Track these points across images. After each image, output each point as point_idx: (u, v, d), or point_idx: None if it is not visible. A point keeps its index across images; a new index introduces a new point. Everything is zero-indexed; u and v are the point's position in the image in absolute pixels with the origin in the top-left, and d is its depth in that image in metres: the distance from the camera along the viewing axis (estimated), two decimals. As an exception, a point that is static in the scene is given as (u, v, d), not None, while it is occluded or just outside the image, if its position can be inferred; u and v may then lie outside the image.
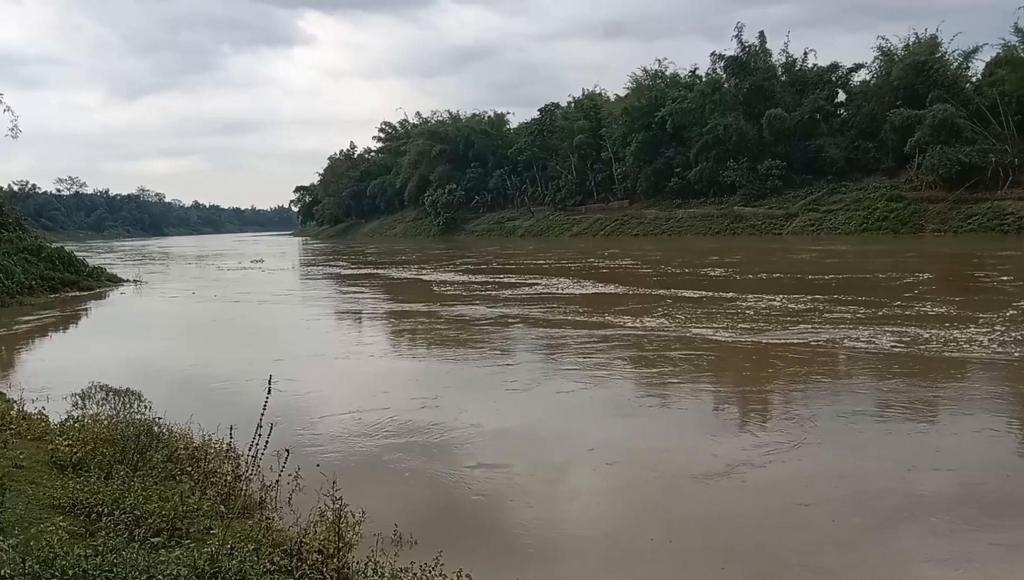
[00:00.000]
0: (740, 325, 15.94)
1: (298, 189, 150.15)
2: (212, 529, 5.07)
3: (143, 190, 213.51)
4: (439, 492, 7.30)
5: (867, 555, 5.77)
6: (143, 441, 6.79)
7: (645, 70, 78.19)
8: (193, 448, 7.14)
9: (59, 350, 17.44)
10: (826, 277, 25.76)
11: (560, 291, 24.60)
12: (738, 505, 6.79)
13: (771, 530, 6.30)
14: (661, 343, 14.51)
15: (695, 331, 15.44)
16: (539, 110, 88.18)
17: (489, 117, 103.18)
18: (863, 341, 13.81)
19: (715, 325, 16.03)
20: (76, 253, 31.74)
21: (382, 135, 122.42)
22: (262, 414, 6.43)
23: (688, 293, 22.02)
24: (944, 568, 5.65)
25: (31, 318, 20.85)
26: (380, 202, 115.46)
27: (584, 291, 24.51)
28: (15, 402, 8.91)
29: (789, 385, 11.46)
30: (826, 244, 46.34)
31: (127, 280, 31.90)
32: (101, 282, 29.68)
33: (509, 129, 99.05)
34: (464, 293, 25.15)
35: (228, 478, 6.51)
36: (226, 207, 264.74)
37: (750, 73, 66.98)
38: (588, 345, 14.69)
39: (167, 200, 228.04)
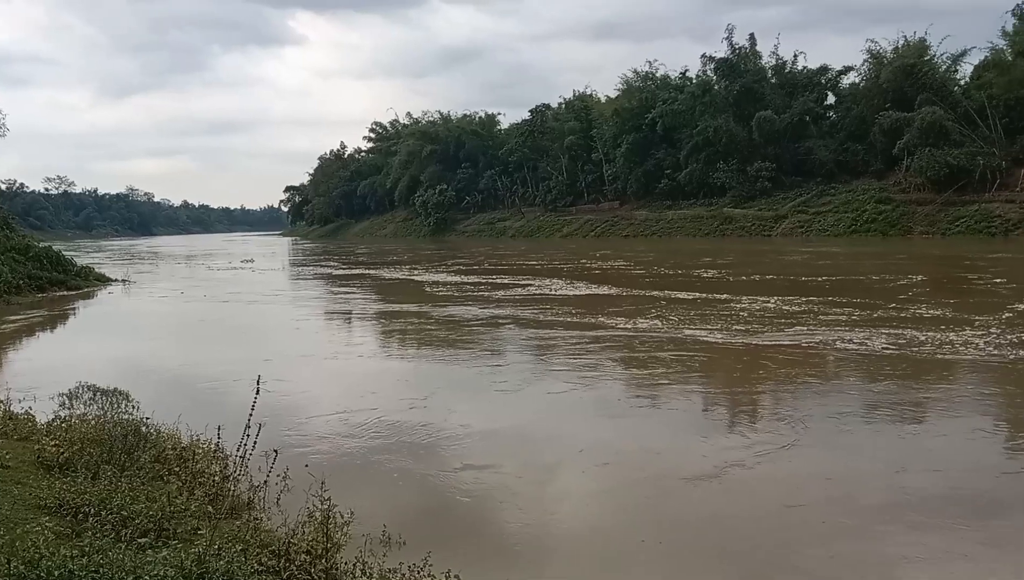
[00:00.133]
0: (735, 326, 15.96)
1: (288, 189, 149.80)
2: (200, 530, 5.03)
3: (132, 190, 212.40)
4: (428, 493, 7.28)
5: (857, 556, 5.78)
6: (131, 441, 6.74)
7: (636, 72, 78.48)
8: (181, 448, 7.09)
9: (46, 350, 17.33)
10: (819, 279, 25.83)
11: (553, 292, 24.58)
12: (729, 506, 6.80)
13: (761, 531, 6.29)
14: (655, 344, 14.51)
15: (690, 333, 15.45)
16: (530, 111, 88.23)
17: (480, 118, 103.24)
18: (859, 343, 13.83)
19: (709, 327, 16.04)
20: (64, 252, 31.56)
21: (372, 135, 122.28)
22: (250, 414, 6.40)
23: (682, 294, 22.03)
24: (934, 569, 5.66)
25: (18, 317, 20.71)
26: (370, 202, 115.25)
27: (577, 292, 24.50)
28: (1, 402, 8.82)
29: (782, 387, 11.48)
30: (816, 246, 46.53)
31: (115, 280, 31.73)
32: (89, 282, 29.52)
33: (500, 130, 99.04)
34: (456, 294, 25.12)
35: (216, 478, 6.48)
36: (215, 207, 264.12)
37: (740, 75, 67.20)
38: (579, 346, 14.69)
39: (156, 200, 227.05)
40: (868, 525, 6.25)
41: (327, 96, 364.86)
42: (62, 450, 6.46)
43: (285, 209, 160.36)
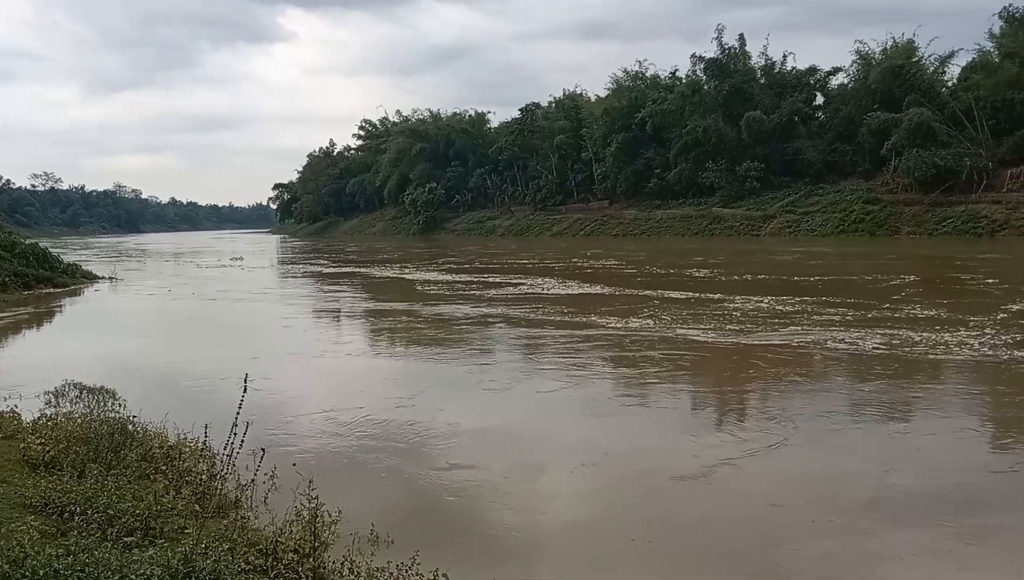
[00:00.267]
0: (728, 326, 15.92)
1: (277, 186, 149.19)
2: (186, 528, 5.00)
3: (119, 186, 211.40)
4: (416, 492, 7.27)
5: (846, 555, 5.80)
6: (117, 440, 6.71)
7: (626, 71, 78.54)
8: (168, 447, 7.06)
9: (32, 347, 17.21)
10: (811, 279, 25.83)
11: (546, 291, 24.51)
12: (718, 505, 6.80)
13: (751, 530, 6.30)
14: (647, 343, 14.50)
15: (682, 332, 15.42)
16: (520, 110, 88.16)
17: (470, 116, 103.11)
18: (853, 343, 13.83)
19: (703, 326, 16.01)
20: (51, 249, 31.35)
21: (362, 133, 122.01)
22: (238, 413, 6.36)
23: (675, 294, 22.01)
24: (923, 567, 5.68)
25: (4, 315, 20.55)
26: (359, 200, 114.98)
27: (570, 291, 24.45)
28: (-14, 400, 8.77)
29: (775, 386, 11.46)
30: (805, 246, 46.67)
31: (103, 277, 31.54)
32: (76, 279, 29.34)
33: (490, 128, 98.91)
34: (448, 292, 25.07)
35: (203, 477, 6.44)
36: (204, 204, 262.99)
37: (730, 75, 67.33)
38: (570, 345, 14.68)
39: (144, 196, 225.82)
40: (857, 524, 6.27)
41: (316, 93, 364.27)
42: (48, 448, 6.41)
43: (274, 207, 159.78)
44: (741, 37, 69.63)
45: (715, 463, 7.70)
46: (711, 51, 69.45)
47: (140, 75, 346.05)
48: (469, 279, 29.69)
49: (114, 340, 17.20)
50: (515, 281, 27.72)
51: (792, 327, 15.66)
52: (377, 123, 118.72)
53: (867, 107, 59.40)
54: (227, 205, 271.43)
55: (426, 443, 8.62)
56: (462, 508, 6.91)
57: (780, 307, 18.55)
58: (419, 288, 27.13)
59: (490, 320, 18.36)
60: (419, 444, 8.59)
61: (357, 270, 38.08)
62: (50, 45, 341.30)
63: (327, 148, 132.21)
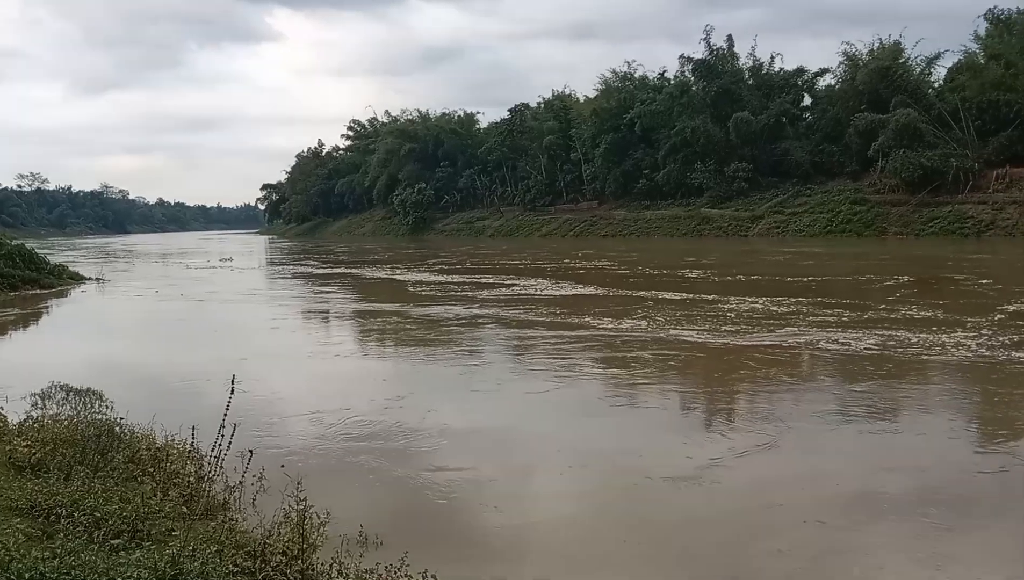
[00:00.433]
0: (723, 327, 15.90)
1: (265, 187, 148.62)
2: (174, 531, 4.97)
3: (106, 187, 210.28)
4: (405, 493, 7.24)
5: (838, 555, 5.81)
6: (104, 442, 6.66)
7: (614, 72, 78.54)
8: (155, 449, 7.01)
9: (18, 349, 17.10)
10: (805, 279, 25.82)
11: (538, 292, 24.42)
12: (709, 506, 6.80)
13: (742, 531, 6.30)
14: (643, 345, 14.46)
15: (677, 334, 15.38)
16: (509, 110, 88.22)
17: (459, 117, 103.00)
18: (848, 344, 13.82)
19: (698, 327, 15.97)
20: (37, 250, 31.13)
21: (351, 133, 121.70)
22: (225, 414, 6.34)
23: (669, 295, 21.95)
24: (915, 567, 5.69)
25: (-11, 316, 20.42)
26: (348, 201, 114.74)
27: (563, 292, 24.37)
28: (-29, 402, 8.70)
29: (769, 387, 11.44)
30: (794, 246, 46.80)
31: (90, 278, 31.36)
32: (63, 280, 29.16)
33: (479, 129, 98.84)
34: (440, 294, 24.98)
35: (191, 479, 6.41)
36: (191, 205, 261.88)
37: (718, 76, 67.52)
38: (562, 346, 14.67)
39: (131, 197, 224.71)
40: (849, 524, 6.27)
41: (305, 93, 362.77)
42: (34, 451, 6.37)
43: (262, 207, 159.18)
44: (729, 38, 69.96)
45: (706, 463, 7.70)
46: (699, 52, 69.75)
47: (126, 74, 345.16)
48: (461, 280, 29.62)
49: (101, 342, 17.11)
50: (507, 282, 27.65)
51: (789, 328, 15.60)
52: (366, 123, 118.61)
53: (854, 108, 59.70)
54: (215, 206, 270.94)
55: (415, 444, 8.60)
56: (451, 509, 6.89)
57: (775, 308, 18.51)
58: (410, 289, 27.04)
59: (481, 321, 18.33)
60: (408, 445, 8.57)
61: (347, 271, 37.95)
62: (34, 43, 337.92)
63: (316, 148, 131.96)
